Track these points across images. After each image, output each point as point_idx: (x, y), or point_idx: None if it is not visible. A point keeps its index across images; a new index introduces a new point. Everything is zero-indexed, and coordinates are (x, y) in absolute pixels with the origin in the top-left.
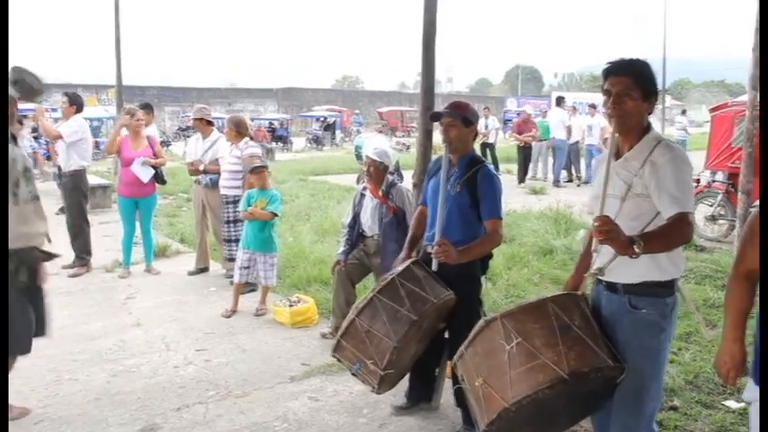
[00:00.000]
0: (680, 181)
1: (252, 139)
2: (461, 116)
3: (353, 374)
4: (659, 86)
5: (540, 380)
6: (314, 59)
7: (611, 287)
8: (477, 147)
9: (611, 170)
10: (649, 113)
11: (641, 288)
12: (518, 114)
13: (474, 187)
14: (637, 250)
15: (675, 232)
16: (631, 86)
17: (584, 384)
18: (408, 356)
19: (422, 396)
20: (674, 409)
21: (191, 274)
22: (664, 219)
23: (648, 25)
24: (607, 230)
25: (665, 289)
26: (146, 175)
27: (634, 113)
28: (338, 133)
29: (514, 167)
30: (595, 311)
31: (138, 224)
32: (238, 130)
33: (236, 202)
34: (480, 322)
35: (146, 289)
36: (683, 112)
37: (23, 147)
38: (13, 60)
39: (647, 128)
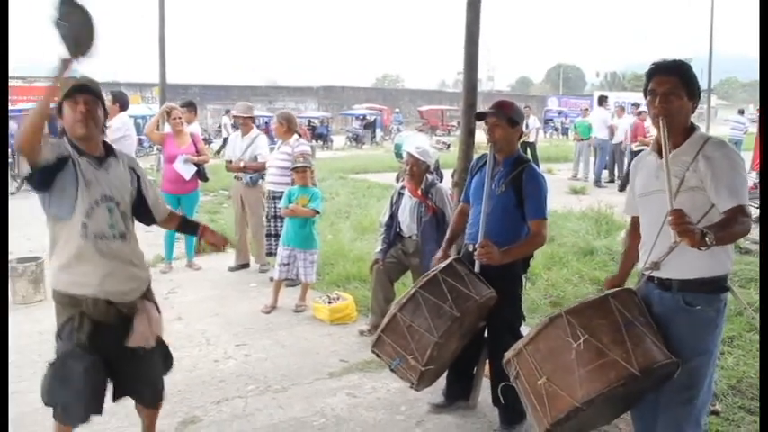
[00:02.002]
0: (736, 174)
1: (301, 136)
2: (507, 116)
3: (392, 370)
4: (705, 85)
5: (612, 377)
6: (354, 58)
7: (664, 284)
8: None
9: (660, 167)
10: (692, 113)
11: (696, 285)
12: (559, 114)
13: (519, 187)
14: (708, 242)
15: (738, 224)
16: (678, 86)
17: (647, 380)
18: (448, 353)
19: (459, 394)
20: (715, 413)
21: (231, 269)
22: (719, 212)
23: (695, 22)
24: (684, 222)
25: (719, 284)
26: (188, 172)
27: (680, 113)
28: (378, 132)
29: (556, 167)
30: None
31: None
32: (289, 126)
33: (282, 197)
34: (543, 319)
35: (187, 284)
36: (741, 112)
37: (118, 167)
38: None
39: (692, 127)
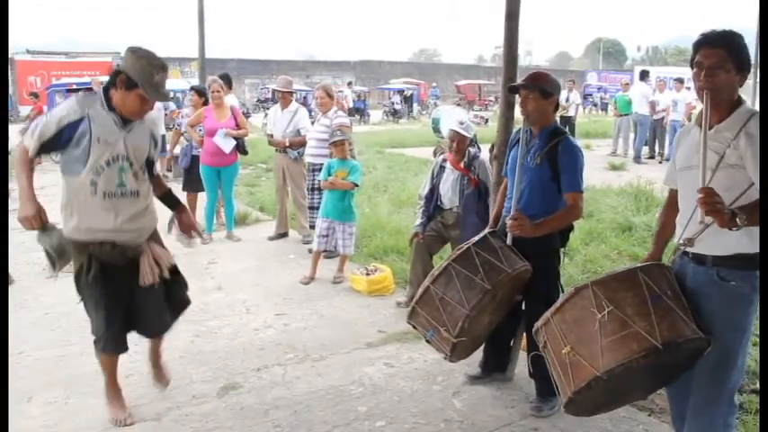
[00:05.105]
0: None
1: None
2: (539, 87)
3: (427, 341)
4: (752, 60)
5: (634, 349)
6: (392, 32)
7: (699, 259)
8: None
9: (700, 142)
10: (740, 86)
11: (732, 261)
12: (599, 89)
13: (555, 159)
14: (739, 223)
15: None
16: (725, 59)
17: (673, 355)
18: (482, 326)
19: (496, 366)
20: (756, 392)
21: (270, 239)
22: (756, 190)
23: None
24: (713, 202)
25: (755, 261)
26: (227, 145)
27: (726, 87)
28: (415, 106)
29: (593, 142)
30: (679, 283)
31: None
32: (330, 94)
33: (321, 170)
34: (570, 289)
35: (227, 255)
36: None
37: (141, 129)
38: (103, 35)
39: (738, 101)
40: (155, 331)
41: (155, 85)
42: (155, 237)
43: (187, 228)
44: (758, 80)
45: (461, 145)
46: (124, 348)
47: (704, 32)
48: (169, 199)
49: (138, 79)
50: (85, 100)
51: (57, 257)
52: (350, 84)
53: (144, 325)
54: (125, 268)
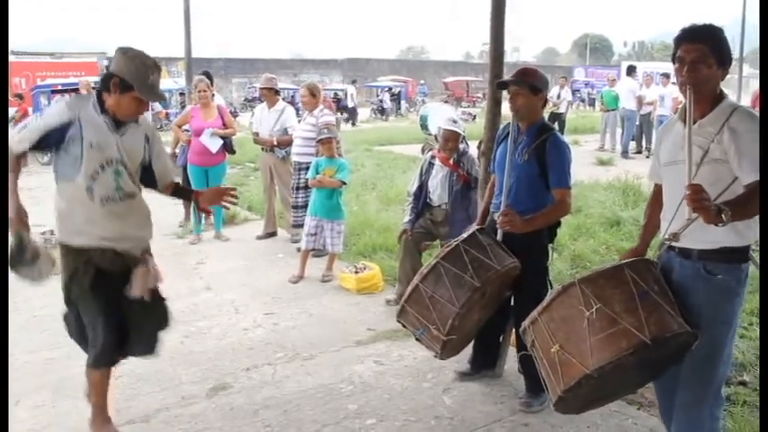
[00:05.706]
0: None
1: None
2: (528, 84)
3: (417, 339)
4: (736, 54)
5: (623, 346)
6: (379, 30)
7: (685, 253)
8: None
9: (685, 137)
10: (722, 80)
11: (717, 254)
12: (586, 85)
13: (542, 156)
14: (724, 219)
15: (759, 200)
16: (706, 53)
17: (662, 350)
18: (472, 323)
19: (485, 363)
20: (743, 384)
21: (259, 238)
22: (741, 184)
23: None
24: (700, 199)
25: (740, 254)
26: (214, 145)
27: (709, 81)
28: (403, 103)
29: (582, 138)
30: (665, 278)
31: None
32: (313, 93)
33: (307, 168)
34: (557, 288)
35: (215, 255)
36: None
37: (135, 133)
38: (103, 34)
39: (720, 95)
40: (139, 350)
41: (150, 85)
42: (148, 251)
43: (217, 199)
44: (751, 77)
45: (455, 143)
46: (117, 360)
47: (685, 27)
48: (180, 191)
49: (132, 81)
50: (76, 103)
51: (16, 258)
52: (354, 81)
53: (129, 341)
54: (120, 276)
